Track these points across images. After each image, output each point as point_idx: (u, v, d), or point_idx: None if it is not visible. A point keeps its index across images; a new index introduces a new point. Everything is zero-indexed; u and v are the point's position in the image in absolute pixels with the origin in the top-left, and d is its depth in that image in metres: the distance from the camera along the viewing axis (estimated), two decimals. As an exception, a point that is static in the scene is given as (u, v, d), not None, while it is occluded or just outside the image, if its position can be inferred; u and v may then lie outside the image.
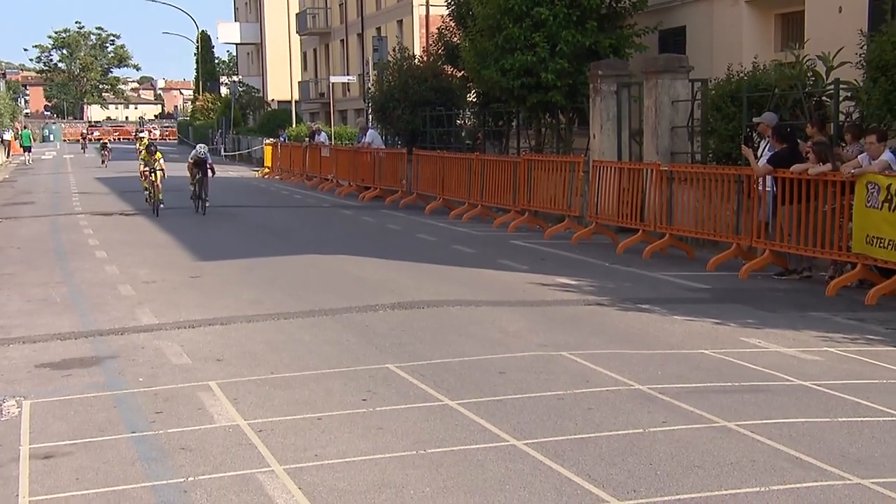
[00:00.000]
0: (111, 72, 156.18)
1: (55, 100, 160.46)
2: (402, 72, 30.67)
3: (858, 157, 12.53)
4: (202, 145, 25.91)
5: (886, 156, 12.23)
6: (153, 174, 24.35)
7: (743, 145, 14.52)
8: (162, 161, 24.62)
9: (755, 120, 14.85)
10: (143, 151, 25.37)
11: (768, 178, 13.85)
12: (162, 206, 24.16)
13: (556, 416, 7.21)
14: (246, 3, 79.54)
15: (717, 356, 9.08)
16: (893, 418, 7.15)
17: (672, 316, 11.07)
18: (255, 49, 75.54)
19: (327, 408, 7.52)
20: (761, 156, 14.38)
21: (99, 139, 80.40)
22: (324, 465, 6.27)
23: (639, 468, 6.11)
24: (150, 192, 24.60)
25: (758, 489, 5.74)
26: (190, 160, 24.89)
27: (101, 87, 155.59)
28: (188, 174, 25.27)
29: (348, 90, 54.45)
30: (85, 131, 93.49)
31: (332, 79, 48.43)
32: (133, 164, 37.48)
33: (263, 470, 6.20)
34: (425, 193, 25.67)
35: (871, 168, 12.16)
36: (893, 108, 12.93)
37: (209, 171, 24.75)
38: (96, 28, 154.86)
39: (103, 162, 52.86)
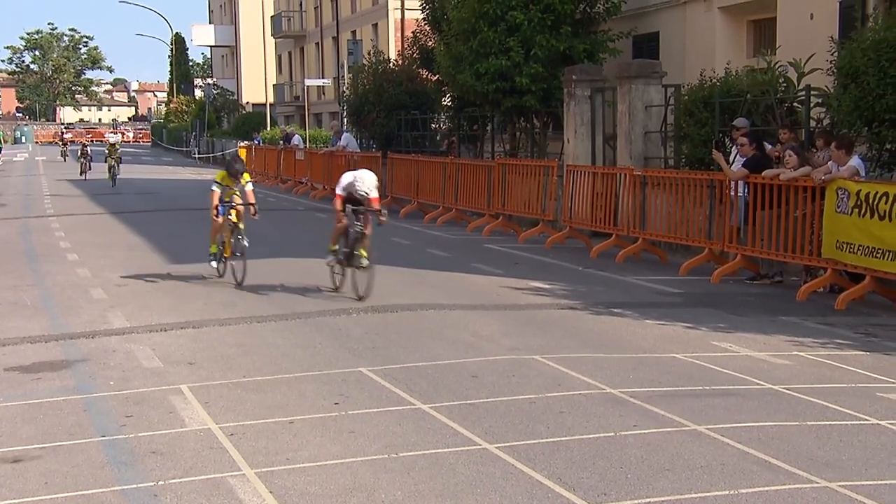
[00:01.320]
0: (84, 73, 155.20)
1: (27, 101, 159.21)
2: (377, 75, 30.64)
3: (828, 162, 12.64)
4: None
5: (855, 161, 12.35)
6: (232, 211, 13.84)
7: (714, 150, 14.60)
8: (249, 187, 14.09)
9: (735, 123, 14.90)
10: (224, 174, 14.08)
11: (740, 183, 13.94)
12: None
13: (527, 420, 7.23)
14: (220, 6, 79.30)
15: (688, 360, 9.14)
16: (861, 422, 7.21)
17: (644, 320, 11.12)
18: (230, 51, 75.32)
19: (299, 411, 7.51)
20: (733, 161, 14.49)
21: (73, 141, 74.21)
22: (295, 468, 6.26)
23: (610, 471, 6.14)
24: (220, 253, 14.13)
25: (727, 492, 5.78)
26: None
27: (73, 88, 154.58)
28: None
29: (323, 93, 54.36)
30: (63, 133, 79.06)
31: (307, 82, 48.34)
32: (104, 167, 37.35)
33: (234, 474, 6.18)
34: (400, 197, 25.68)
35: (840, 174, 12.26)
36: (863, 114, 13.03)
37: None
38: (69, 29, 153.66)
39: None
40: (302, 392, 8.09)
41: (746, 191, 13.82)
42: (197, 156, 61.46)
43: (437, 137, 29.41)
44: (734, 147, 14.84)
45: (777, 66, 16.16)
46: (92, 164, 42.33)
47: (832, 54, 14.63)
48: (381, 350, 9.58)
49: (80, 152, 44.05)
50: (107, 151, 36.89)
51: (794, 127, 14.76)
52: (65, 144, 65.81)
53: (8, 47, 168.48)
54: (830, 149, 12.59)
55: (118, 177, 35.63)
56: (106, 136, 51.23)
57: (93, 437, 6.98)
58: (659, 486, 5.90)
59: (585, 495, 5.74)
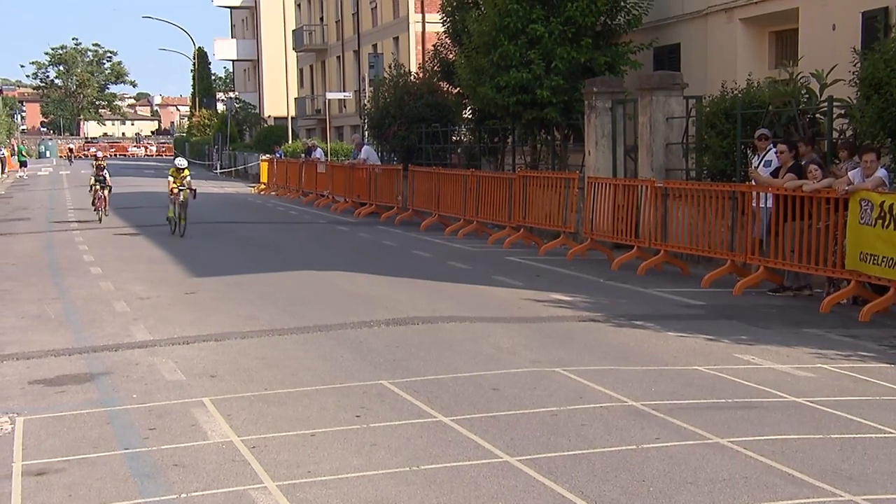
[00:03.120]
0: (108, 88, 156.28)
1: (52, 116, 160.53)
2: (398, 88, 30.73)
3: (849, 173, 12.58)
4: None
5: (881, 172, 12.28)
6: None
7: (754, 170, 14.41)
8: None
9: (756, 135, 14.82)
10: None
11: (762, 194, 13.90)
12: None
13: (549, 433, 7.21)
14: (243, 20, 79.77)
15: (710, 372, 9.10)
16: (886, 435, 7.16)
17: (666, 332, 11.09)
18: (252, 65, 75.74)
19: (321, 424, 7.52)
20: (753, 170, 14.47)
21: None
22: (317, 481, 6.26)
23: (632, 485, 6.12)
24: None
25: (750, 506, 5.75)
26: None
27: (97, 103, 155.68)
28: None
29: (344, 107, 54.55)
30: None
31: (329, 95, 48.49)
32: (125, 180, 37.37)
33: (256, 486, 6.19)
34: (421, 210, 25.70)
35: (864, 185, 12.20)
36: (886, 125, 12.98)
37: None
38: (93, 45, 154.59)
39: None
40: (323, 405, 8.11)
41: (769, 202, 13.76)
42: (218, 169, 61.76)
43: (459, 150, 29.43)
44: (755, 157, 14.81)
45: (799, 78, 16.11)
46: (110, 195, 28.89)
47: (855, 65, 14.58)
48: (402, 362, 9.59)
49: (94, 173, 28.71)
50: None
51: (817, 138, 14.71)
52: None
53: (33, 62, 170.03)
54: (865, 159, 12.43)
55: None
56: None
57: (116, 449, 7.01)
58: (681, 499, 5.87)
59: (607, 508, 5.73)
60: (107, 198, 26.93)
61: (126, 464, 6.69)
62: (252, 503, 5.92)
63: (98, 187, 26.71)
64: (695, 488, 6.05)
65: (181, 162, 23.89)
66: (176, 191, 22.60)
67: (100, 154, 48.07)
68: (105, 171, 26.82)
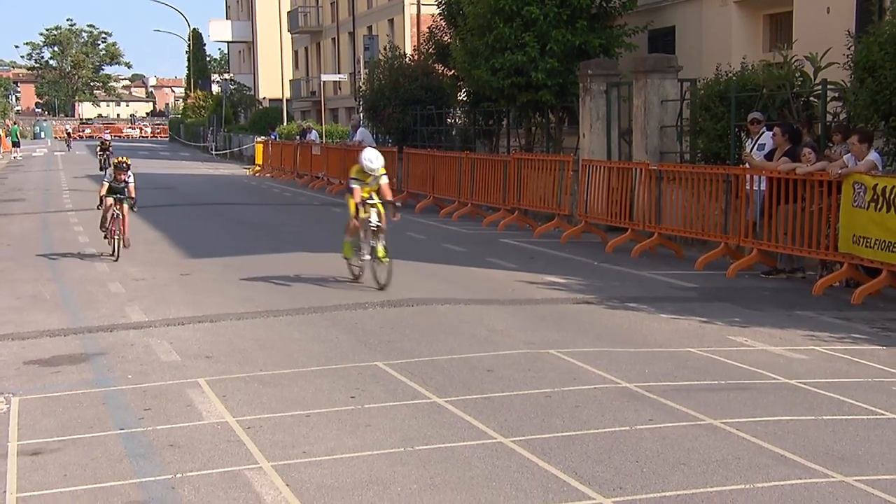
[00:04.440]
0: (102, 69, 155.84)
1: (46, 97, 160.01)
2: (393, 70, 30.67)
3: (844, 157, 12.58)
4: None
5: (872, 156, 12.28)
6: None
7: (748, 153, 14.39)
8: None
9: (750, 118, 14.78)
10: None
11: (756, 177, 13.89)
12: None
13: (543, 414, 7.22)
14: (238, 2, 79.42)
15: (703, 354, 9.11)
16: (878, 416, 7.18)
17: (659, 314, 11.10)
18: (247, 47, 75.45)
19: (316, 405, 7.52)
20: (748, 153, 14.46)
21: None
22: (312, 461, 6.27)
23: (625, 465, 6.13)
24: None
25: (743, 486, 5.76)
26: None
27: (92, 84, 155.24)
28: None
29: (339, 88, 54.42)
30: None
31: (324, 77, 48.43)
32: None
33: (251, 467, 6.19)
34: (416, 192, 25.68)
35: (857, 168, 12.20)
36: (880, 108, 12.97)
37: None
38: (88, 26, 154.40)
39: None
40: (318, 386, 8.11)
41: (763, 185, 13.76)
42: (214, 151, 61.63)
43: (453, 133, 29.38)
44: (749, 140, 14.79)
45: (793, 61, 16.09)
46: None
47: (849, 48, 14.56)
48: (396, 344, 9.59)
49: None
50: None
51: (811, 121, 14.69)
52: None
53: (27, 43, 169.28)
54: (851, 142, 12.48)
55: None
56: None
57: (111, 430, 7.01)
58: (674, 479, 5.88)
59: (601, 489, 5.74)
60: (126, 218, 15.72)
61: (121, 444, 6.68)
62: (247, 483, 5.92)
63: (112, 202, 15.56)
64: (688, 469, 6.06)
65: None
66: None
67: (107, 137, 46.29)
68: (127, 173, 15.61)
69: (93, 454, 6.48)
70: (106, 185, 15.83)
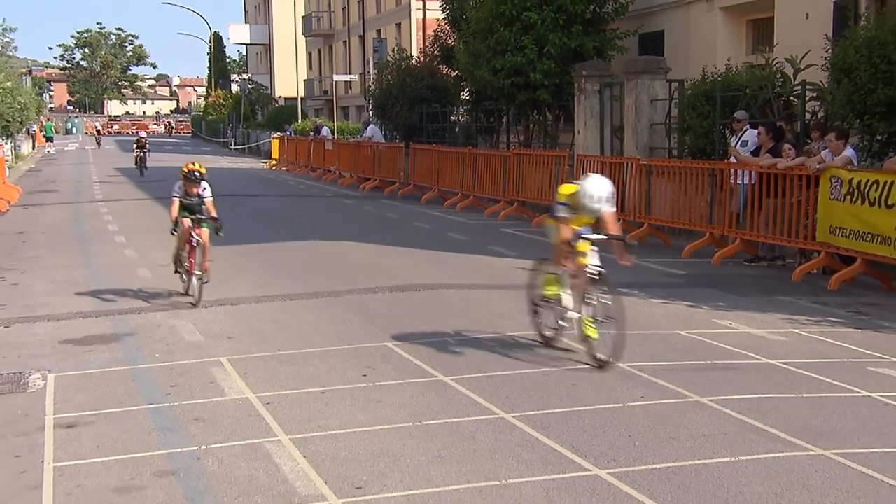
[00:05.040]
0: (130, 69, 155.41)
1: (77, 95, 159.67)
2: (401, 71, 30.59)
3: (822, 152, 12.54)
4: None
5: (848, 152, 12.25)
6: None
7: (735, 148, 14.34)
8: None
9: (735, 116, 14.75)
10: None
11: (741, 172, 13.85)
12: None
13: (542, 392, 7.22)
14: (255, 6, 79.24)
15: (691, 336, 9.10)
16: (853, 394, 7.17)
17: (650, 299, 11.08)
18: (264, 49, 75.29)
19: (330, 382, 7.52)
20: (733, 149, 14.43)
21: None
22: (327, 435, 6.27)
23: (619, 440, 6.12)
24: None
25: (728, 459, 5.76)
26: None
27: (120, 83, 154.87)
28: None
29: (350, 88, 54.31)
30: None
31: (336, 77, 48.35)
32: (151, 155, 37.34)
33: (271, 439, 6.20)
34: (422, 184, 25.63)
35: (834, 163, 12.17)
36: (856, 107, 12.92)
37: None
38: (116, 28, 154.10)
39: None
40: (332, 365, 8.10)
41: (746, 179, 13.73)
42: (233, 146, 61.56)
43: (457, 129, 29.33)
44: (733, 137, 14.75)
45: (774, 63, 16.03)
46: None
47: (826, 51, 14.51)
48: (405, 326, 9.58)
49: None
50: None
51: (791, 119, 14.65)
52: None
53: (60, 45, 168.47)
54: (828, 139, 12.47)
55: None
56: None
57: (140, 405, 7.02)
58: (665, 453, 5.88)
59: (596, 461, 5.73)
60: (207, 248, 11.01)
61: (150, 418, 6.69)
62: (267, 455, 5.92)
63: (190, 223, 11.04)
64: (677, 443, 6.05)
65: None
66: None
67: (143, 134, 41.37)
68: (201, 185, 11.04)
69: (123, 427, 6.49)
70: (177, 201, 10.95)
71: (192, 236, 10.90)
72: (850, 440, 6.13)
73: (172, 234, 11.35)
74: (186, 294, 10.93)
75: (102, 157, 53.03)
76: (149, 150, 36.71)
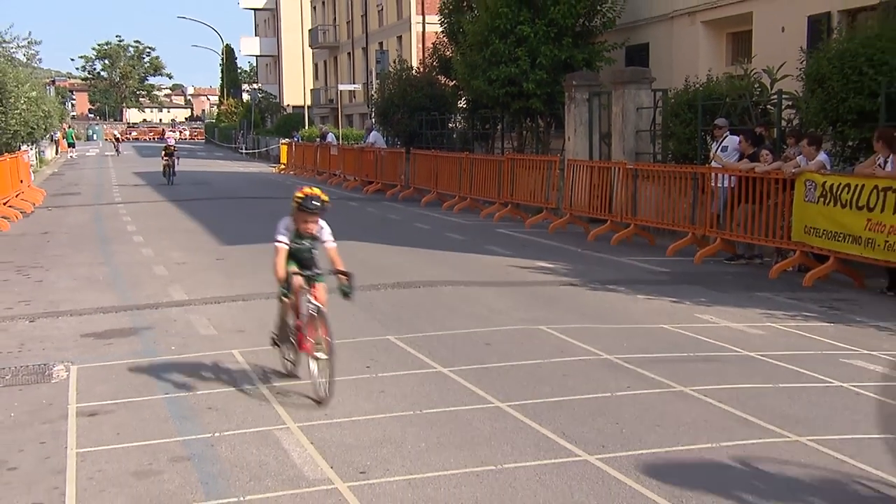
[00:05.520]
0: (147, 79, 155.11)
1: (98, 104, 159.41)
2: (402, 81, 30.58)
3: (797, 157, 12.55)
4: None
5: (821, 157, 12.26)
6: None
7: (718, 155, 14.34)
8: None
9: (716, 123, 14.75)
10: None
11: (721, 175, 13.86)
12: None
13: (535, 382, 7.21)
14: (265, 21, 79.17)
15: (675, 330, 9.09)
16: (826, 384, 7.17)
17: (636, 295, 11.08)
18: (273, 60, 75.23)
19: (336, 373, 7.49)
20: (714, 154, 14.44)
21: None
22: (333, 423, 6.26)
23: (607, 427, 6.12)
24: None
25: (710, 445, 5.76)
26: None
27: (138, 92, 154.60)
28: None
29: (354, 97, 54.27)
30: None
31: (340, 87, 48.31)
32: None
33: (280, 427, 6.19)
34: (421, 187, 25.62)
35: (808, 167, 12.18)
36: (829, 115, 12.93)
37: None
38: (134, 41, 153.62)
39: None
40: (338, 357, 8.06)
41: (726, 182, 13.73)
42: (244, 151, 61.51)
43: (454, 136, 29.31)
44: (714, 143, 14.75)
45: (752, 73, 16.04)
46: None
47: (801, 63, 14.52)
48: (406, 321, 9.58)
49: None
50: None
51: (768, 126, 14.66)
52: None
53: (82, 56, 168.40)
54: (802, 145, 12.50)
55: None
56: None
57: (157, 394, 7.01)
58: (650, 439, 5.88)
59: (586, 447, 5.73)
60: (325, 319, 6.79)
61: (166, 407, 6.68)
62: (277, 442, 5.92)
63: (302, 281, 6.96)
64: (662, 430, 6.05)
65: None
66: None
67: (172, 141, 34.50)
68: (318, 220, 7.06)
69: (142, 416, 6.48)
70: (284, 248, 7.01)
71: (308, 302, 6.81)
72: (824, 427, 6.13)
73: (284, 298, 7.06)
74: (291, 375, 7.35)
75: (121, 162, 52.96)
76: (178, 158, 32.77)
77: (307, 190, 7.13)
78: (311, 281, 7.00)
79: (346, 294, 6.90)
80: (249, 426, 6.22)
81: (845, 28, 15.71)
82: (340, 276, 6.85)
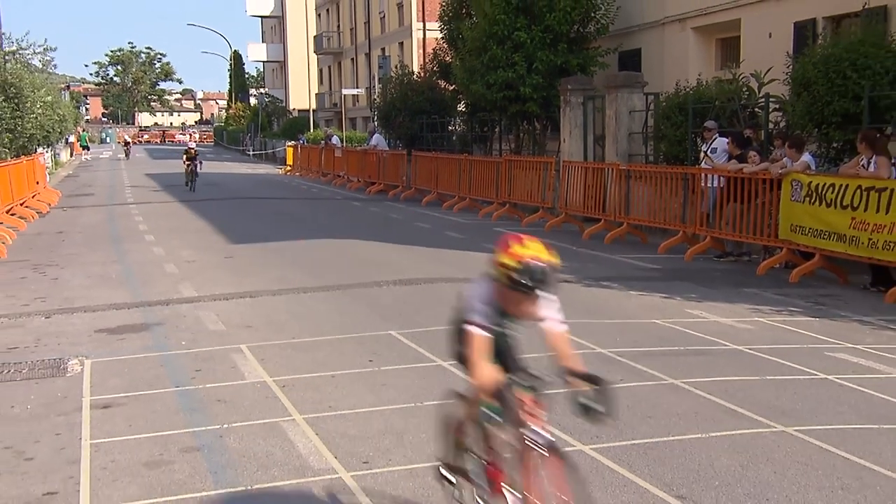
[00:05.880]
0: (158, 84, 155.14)
1: (111, 108, 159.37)
2: (403, 85, 30.56)
3: (783, 158, 12.55)
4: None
5: (806, 157, 12.26)
6: None
7: (708, 155, 14.35)
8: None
9: (705, 125, 14.76)
10: None
11: (711, 176, 13.85)
12: None
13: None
14: (272, 27, 79.09)
15: (666, 325, 9.10)
16: (812, 377, 7.17)
17: (629, 291, 11.08)
18: (279, 66, 75.17)
19: (340, 367, 7.52)
20: (704, 155, 14.44)
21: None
22: (337, 414, 6.27)
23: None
24: None
25: (700, 435, 5.76)
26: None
27: (149, 97, 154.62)
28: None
29: (357, 101, 54.22)
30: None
31: (344, 91, 48.33)
32: (177, 162, 37.14)
33: (286, 419, 6.19)
34: (422, 188, 25.61)
35: (794, 168, 12.18)
36: (814, 118, 12.92)
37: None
38: (146, 48, 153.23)
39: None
40: (342, 351, 8.10)
41: (715, 182, 13.73)
42: (251, 153, 61.49)
43: (454, 138, 29.30)
44: (704, 145, 14.75)
45: (741, 78, 16.02)
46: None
47: (788, 67, 14.50)
48: (407, 316, 9.57)
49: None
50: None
51: (756, 129, 14.65)
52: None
53: (95, 63, 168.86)
54: (785, 147, 12.52)
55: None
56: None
57: (168, 387, 7.01)
58: (642, 430, 5.88)
59: (580, 438, 5.73)
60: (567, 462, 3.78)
61: (177, 399, 6.69)
62: (283, 433, 5.92)
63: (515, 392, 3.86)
64: (654, 421, 6.06)
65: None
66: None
67: (192, 144, 31.24)
68: (549, 294, 4.00)
69: (153, 408, 6.49)
70: (485, 338, 4.02)
71: (532, 432, 3.92)
72: (809, 418, 6.13)
73: (487, 422, 4.10)
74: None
75: (133, 164, 52.93)
76: (200, 162, 29.29)
77: (523, 251, 4.03)
78: (526, 389, 4.07)
79: (593, 412, 3.86)
80: (257, 418, 6.22)
81: (830, 34, 15.69)
82: (583, 381, 3.92)
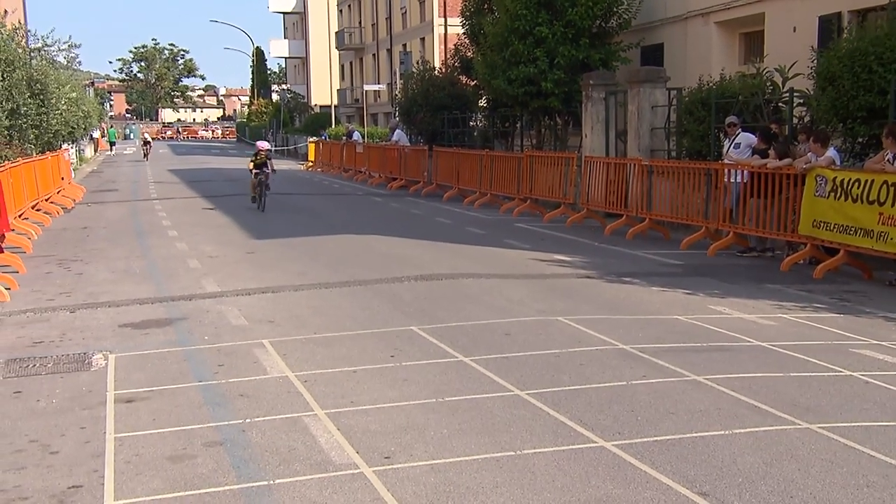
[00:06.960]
0: (181, 81, 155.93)
1: (134, 104, 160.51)
2: (424, 81, 30.54)
3: (808, 153, 12.44)
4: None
5: (831, 153, 12.15)
6: None
7: (729, 151, 14.29)
8: None
9: (727, 120, 14.67)
10: None
11: (734, 171, 13.76)
12: None
13: (553, 371, 7.19)
14: (294, 24, 79.30)
15: (688, 321, 9.04)
16: (836, 373, 7.11)
17: (651, 287, 11.02)
18: (301, 62, 75.38)
19: (361, 362, 7.53)
20: (727, 151, 14.35)
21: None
22: (359, 410, 6.27)
23: (623, 414, 6.10)
24: None
25: (723, 432, 5.72)
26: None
27: (172, 93, 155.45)
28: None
29: (379, 96, 54.28)
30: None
31: (366, 87, 48.40)
32: (200, 158, 37.34)
33: (308, 414, 6.21)
34: (443, 184, 25.60)
35: (818, 163, 12.07)
36: (839, 112, 12.80)
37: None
38: (169, 44, 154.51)
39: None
40: (363, 346, 8.11)
41: (738, 177, 13.64)
42: (273, 149, 61.71)
43: (475, 134, 29.27)
44: (727, 140, 14.65)
45: (765, 72, 15.90)
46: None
47: (812, 61, 14.37)
48: (428, 312, 9.57)
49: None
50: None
51: (780, 123, 14.54)
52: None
53: (119, 59, 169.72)
54: (809, 142, 12.41)
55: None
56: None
57: (191, 382, 7.05)
58: (664, 426, 5.85)
59: (602, 434, 5.71)
60: None
61: (200, 394, 6.72)
62: (305, 428, 5.93)
63: None
64: (676, 417, 6.02)
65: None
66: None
67: (265, 145, 21.68)
68: None
69: (176, 402, 6.52)
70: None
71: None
72: (833, 415, 6.08)
73: None
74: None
75: (156, 160, 53.15)
76: (273, 170, 21.29)
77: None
78: None
79: None
80: (279, 413, 6.24)
81: (855, 27, 15.52)
82: None
